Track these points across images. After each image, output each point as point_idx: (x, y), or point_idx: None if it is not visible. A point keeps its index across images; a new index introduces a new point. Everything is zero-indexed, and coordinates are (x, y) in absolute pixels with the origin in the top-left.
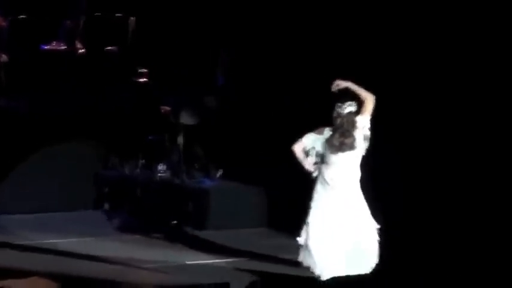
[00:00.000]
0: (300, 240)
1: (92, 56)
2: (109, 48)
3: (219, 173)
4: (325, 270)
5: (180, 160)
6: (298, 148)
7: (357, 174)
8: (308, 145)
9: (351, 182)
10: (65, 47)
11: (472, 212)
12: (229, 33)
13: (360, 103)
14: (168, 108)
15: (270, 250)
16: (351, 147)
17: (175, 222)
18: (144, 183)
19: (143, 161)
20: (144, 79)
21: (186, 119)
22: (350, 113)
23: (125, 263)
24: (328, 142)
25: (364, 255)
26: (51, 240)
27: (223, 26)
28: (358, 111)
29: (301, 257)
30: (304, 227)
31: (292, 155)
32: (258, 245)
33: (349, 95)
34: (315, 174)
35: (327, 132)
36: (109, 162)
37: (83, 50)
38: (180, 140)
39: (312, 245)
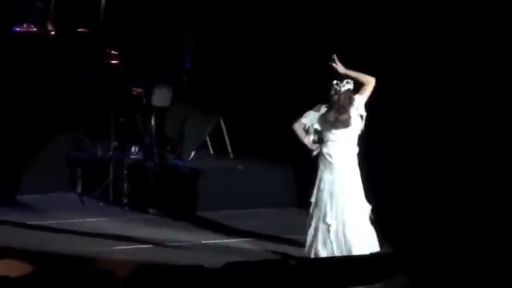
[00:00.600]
0: (308, 220)
1: (63, 38)
2: (80, 29)
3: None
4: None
5: (152, 142)
6: (298, 127)
7: (354, 151)
8: (307, 123)
9: (349, 159)
10: (36, 29)
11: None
12: (197, 11)
13: (360, 83)
14: (140, 89)
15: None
16: (346, 124)
17: (153, 211)
18: (117, 165)
19: (115, 143)
20: (116, 61)
21: (158, 100)
22: (348, 90)
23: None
24: (323, 118)
25: (354, 238)
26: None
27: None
28: (356, 90)
29: (310, 245)
30: (310, 207)
31: (293, 134)
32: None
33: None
34: (315, 153)
35: (323, 108)
36: (81, 143)
37: (53, 32)
38: (152, 121)
39: (316, 225)
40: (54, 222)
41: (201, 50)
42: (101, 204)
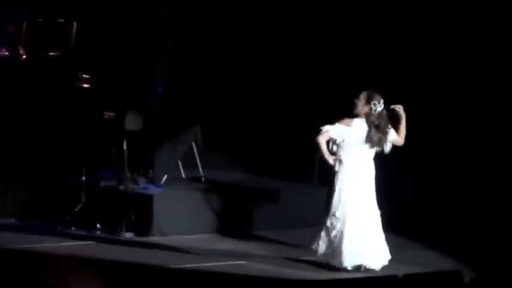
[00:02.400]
0: (329, 234)
1: (34, 62)
2: (51, 53)
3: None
4: (365, 260)
5: (124, 166)
6: (323, 140)
7: (373, 165)
8: (337, 137)
9: (370, 172)
10: (8, 53)
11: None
12: (169, 35)
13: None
14: (111, 113)
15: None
16: (381, 145)
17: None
18: (88, 189)
19: (86, 167)
20: (87, 84)
21: (130, 124)
22: (383, 110)
23: None
24: (360, 135)
25: (381, 245)
26: None
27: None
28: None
29: (320, 246)
30: (332, 219)
31: (315, 147)
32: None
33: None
34: (336, 168)
35: (357, 124)
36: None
37: (25, 56)
38: (124, 145)
39: (349, 236)
40: None
41: (174, 75)
42: (73, 229)
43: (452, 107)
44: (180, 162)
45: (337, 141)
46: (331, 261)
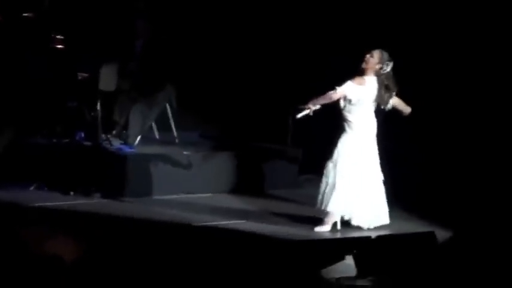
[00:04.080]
0: (324, 182)
1: (8, 23)
2: (25, 14)
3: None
4: (355, 215)
5: (98, 127)
6: (335, 97)
7: (375, 121)
8: (352, 96)
9: (373, 129)
10: None
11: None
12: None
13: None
14: (85, 74)
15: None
16: (388, 103)
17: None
18: (61, 151)
19: (60, 128)
20: (61, 45)
21: (104, 85)
22: (390, 71)
23: None
24: (377, 96)
25: (378, 207)
26: None
27: None
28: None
29: (325, 204)
30: (330, 168)
31: (319, 97)
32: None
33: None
34: (304, 113)
35: (368, 83)
36: (26, 130)
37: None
38: (98, 106)
39: (342, 186)
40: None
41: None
42: (46, 189)
43: (452, 90)
44: (154, 124)
45: (353, 101)
46: (320, 206)
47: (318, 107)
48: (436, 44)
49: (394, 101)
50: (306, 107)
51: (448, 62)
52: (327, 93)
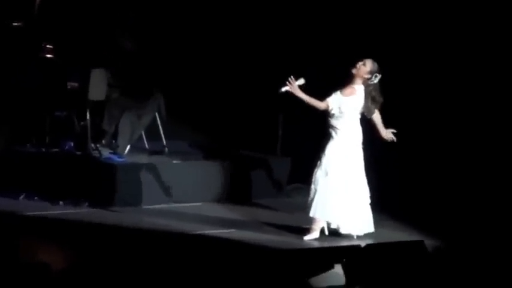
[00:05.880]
0: (313, 190)
1: None
2: (15, 23)
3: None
4: (342, 223)
5: (87, 137)
6: (322, 105)
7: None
8: (338, 107)
9: (360, 137)
10: None
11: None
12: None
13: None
14: (75, 84)
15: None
16: (373, 114)
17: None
18: (50, 160)
19: (49, 138)
20: (50, 55)
21: (93, 94)
22: (377, 83)
23: None
24: (364, 107)
25: (364, 215)
26: None
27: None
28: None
29: (313, 211)
30: (317, 175)
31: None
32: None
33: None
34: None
35: (358, 92)
36: (15, 139)
37: None
38: (87, 116)
39: (329, 193)
40: None
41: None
42: (35, 198)
43: (440, 91)
44: (143, 133)
45: (341, 110)
46: (308, 214)
47: (301, 82)
48: (423, 48)
49: (375, 116)
50: (291, 82)
51: (438, 67)
52: (316, 100)
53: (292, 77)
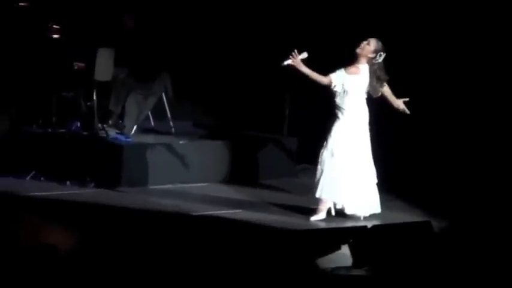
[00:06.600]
0: (319, 170)
1: (3, 11)
2: (21, 3)
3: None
4: (348, 203)
5: (94, 117)
6: (324, 80)
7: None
8: (341, 83)
9: (366, 116)
10: None
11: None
12: None
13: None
14: (81, 64)
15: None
16: (378, 93)
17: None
18: (57, 141)
19: (56, 118)
20: (57, 35)
21: (100, 74)
22: (382, 61)
23: None
24: (369, 85)
25: (370, 195)
26: None
27: None
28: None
29: (319, 192)
30: (324, 156)
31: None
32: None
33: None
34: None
35: (362, 71)
36: (21, 119)
37: None
38: (94, 96)
39: (335, 173)
40: None
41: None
42: (42, 179)
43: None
44: (150, 114)
45: (345, 89)
46: (314, 194)
47: (304, 56)
48: (428, 42)
49: (384, 90)
50: (294, 56)
51: (444, 58)
52: (319, 75)
53: (295, 50)
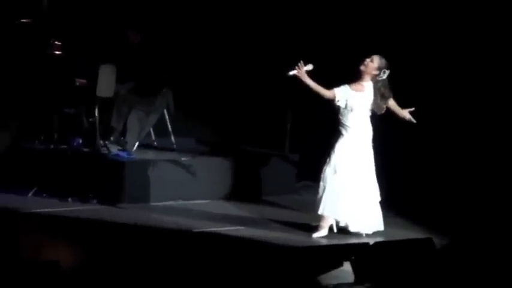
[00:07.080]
0: (322, 187)
1: (5, 28)
2: (23, 20)
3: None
4: (351, 221)
5: (96, 133)
6: (328, 93)
7: (371, 126)
8: (344, 99)
9: (368, 137)
10: None
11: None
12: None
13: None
14: (83, 80)
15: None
16: (382, 110)
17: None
18: (59, 157)
19: (58, 134)
20: (59, 51)
21: (101, 91)
22: (386, 79)
23: None
24: (373, 103)
25: (373, 212)
26: None
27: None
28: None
29: (322, 208)
30: (327, 173)
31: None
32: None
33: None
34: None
35: (367, 88)
36: (23, 136)
37: None
38: (96, 112)
39: (338, 190)
40: None
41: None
42: (44, 195)
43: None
44: (152, 130)
45: (349, 106)
46: (316, 211)
47: (310, 68)
48: (427, 47)
49: (390, 103)
50: (299, 67)
51: (443, 63)
52: (323, 88)
53: (301, 61)
